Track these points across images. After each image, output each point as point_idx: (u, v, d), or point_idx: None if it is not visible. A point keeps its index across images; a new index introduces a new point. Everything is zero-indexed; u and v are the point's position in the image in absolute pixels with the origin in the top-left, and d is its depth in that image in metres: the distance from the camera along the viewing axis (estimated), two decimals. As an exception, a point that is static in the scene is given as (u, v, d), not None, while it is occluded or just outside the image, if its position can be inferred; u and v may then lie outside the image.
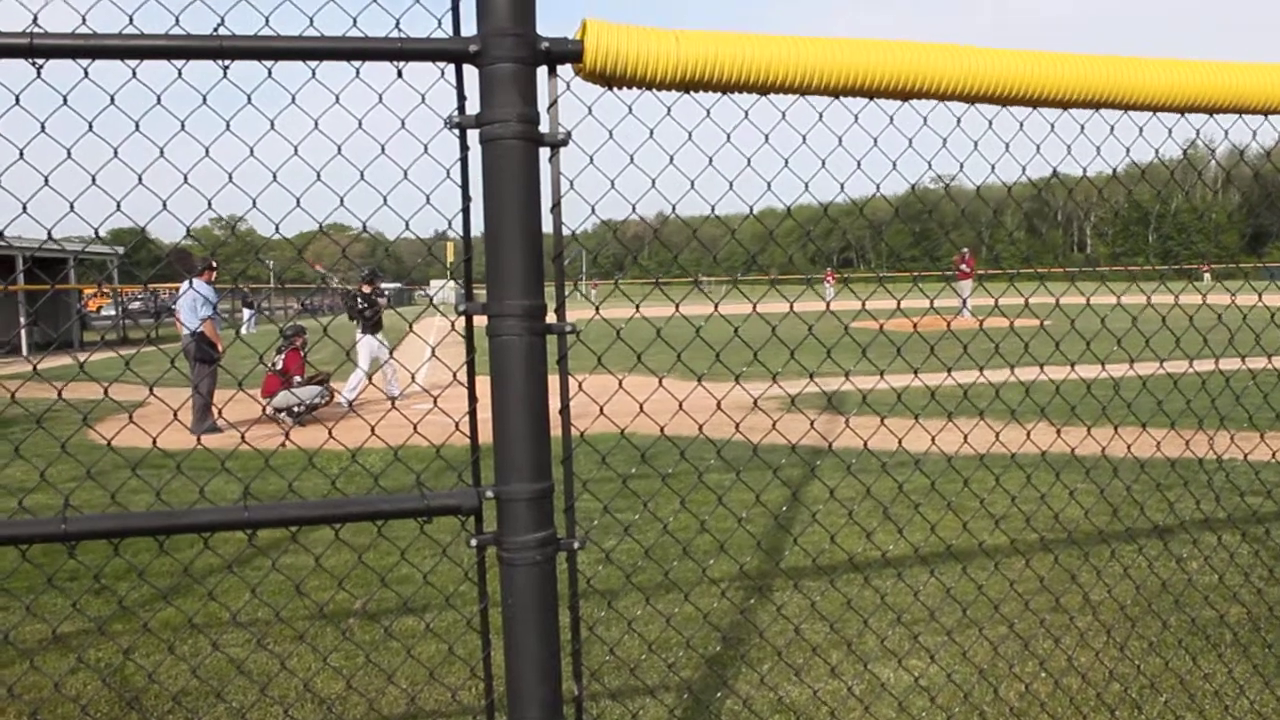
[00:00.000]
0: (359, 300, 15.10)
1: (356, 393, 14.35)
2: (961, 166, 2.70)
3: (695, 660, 4.90)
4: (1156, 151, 2.99)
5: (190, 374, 13.28)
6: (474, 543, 2.13)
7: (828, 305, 2.95)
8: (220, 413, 12.86)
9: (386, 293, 15.80)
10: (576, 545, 2.17)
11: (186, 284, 13.92)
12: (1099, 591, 5.47)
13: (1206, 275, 43.45)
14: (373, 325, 15.04)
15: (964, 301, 29.44)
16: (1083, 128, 2.65)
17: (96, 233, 2.10)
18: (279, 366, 13.58)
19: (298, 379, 13.56)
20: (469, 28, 1.99)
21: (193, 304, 13.28)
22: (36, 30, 1.83)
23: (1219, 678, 4.59)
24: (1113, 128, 2.69)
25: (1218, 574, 5.62)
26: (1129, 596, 5.48)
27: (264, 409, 13.25)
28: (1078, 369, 3.64)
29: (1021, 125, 2.63)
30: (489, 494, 2.06)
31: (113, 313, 42.81)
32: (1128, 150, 2.88)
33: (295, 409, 13.39)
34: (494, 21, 1.92)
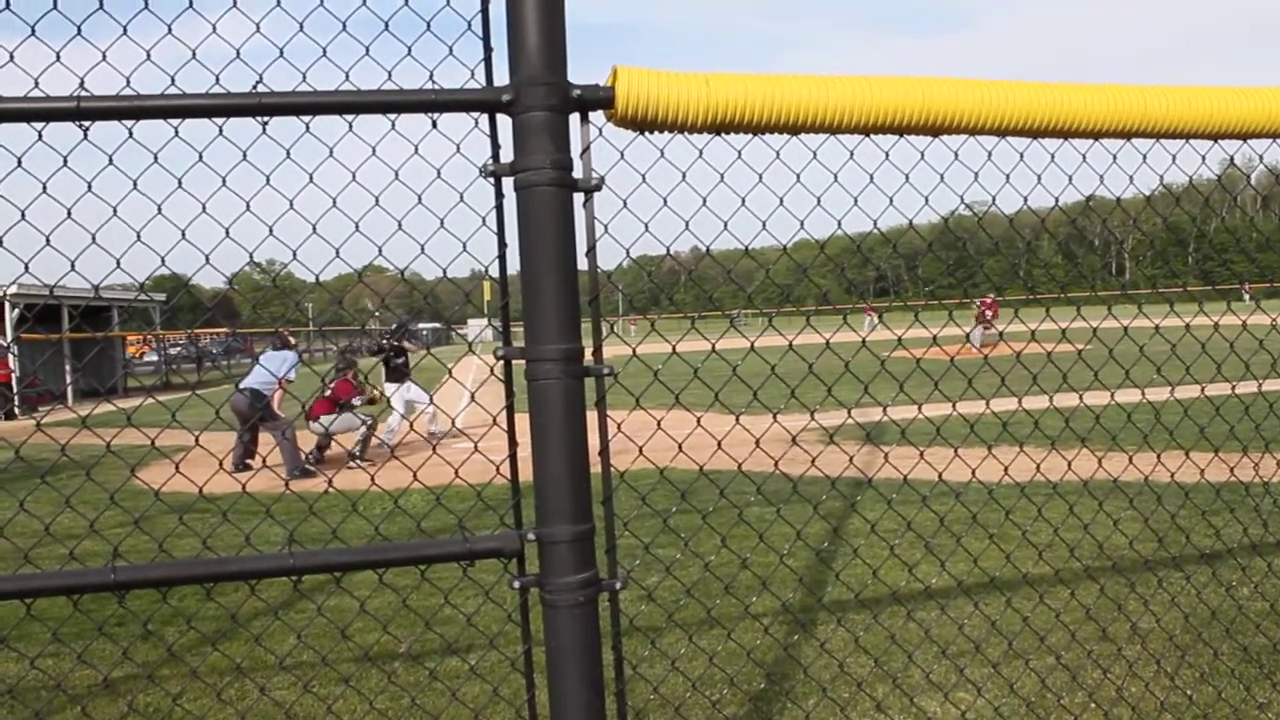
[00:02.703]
0: (389, 349, 15.23)
1: (396, 437, 14.44)
2: (994, 199, 2.71)
3: (740, 697, 4.87)
4: (1190, 178, 2.98)
5: (238, 426, 13.40)
6: (516, 585, 2.14)
7: (864, 340, 2.95)
8: (265, 460, 13.04)
9: (424, 335, 15.95)
10: (618, 585, 2.17)
11: (266, 351, 14.26)
12: (1147, 620, 5.40)
13: (1247, 295, 42.87)
14: (400, 376, 15.13)
15: (968, 335, 29.29)
16: (1115, 157, 2.65)
17: (141, 286, 2.15)
18: (328, 394, 13.67)
19: (356, 401, 13.64)
20: (501, 76, 2.02)
21: (276, 365, 13.38)
22: (83, 94, 1.88)
23: (1275, 707, 4.51)
24: (1145, 156, 2.69)
25: (1269, 601, 5.54)
26: (1178, 625, 5.40)
27: (305, 455, 13.35)
28: (1117, 395, 3.61)
29: (1053, 157, 2.63)
30: (530, 536, 2.07)
31: (155, 358, 43.44)
32: (1161, 178, 2.88)
33: (322, 442, 13.61)
34: (526, 71, 1.96)
